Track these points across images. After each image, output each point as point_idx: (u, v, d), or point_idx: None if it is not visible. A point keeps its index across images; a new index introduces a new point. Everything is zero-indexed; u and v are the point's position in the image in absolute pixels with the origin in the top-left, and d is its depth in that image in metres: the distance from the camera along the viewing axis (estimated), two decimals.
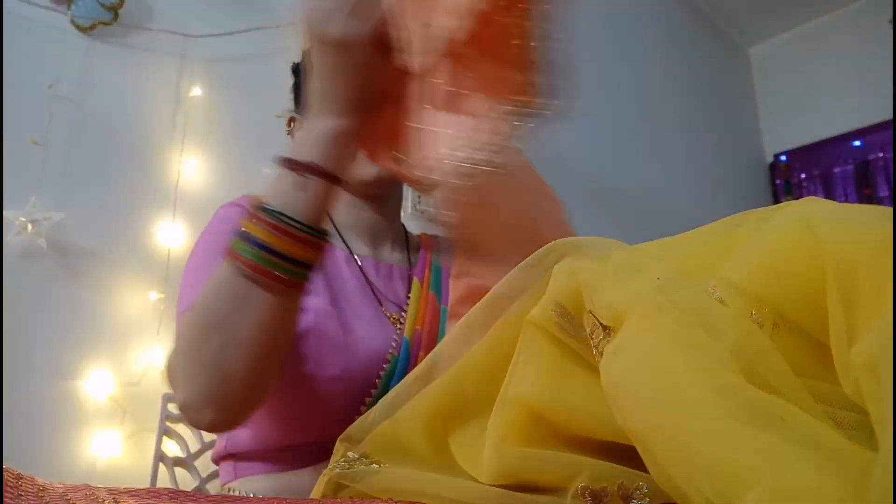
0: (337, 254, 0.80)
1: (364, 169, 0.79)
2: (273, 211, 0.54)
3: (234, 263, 0.54)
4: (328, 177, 0.56)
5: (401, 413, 0.49)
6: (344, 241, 0.83)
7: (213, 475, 1.16)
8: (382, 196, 0.86)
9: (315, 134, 0.56)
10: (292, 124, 0.88)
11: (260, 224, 0.54)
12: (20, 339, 1.15)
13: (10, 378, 1.11)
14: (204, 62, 1.51)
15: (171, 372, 0.59)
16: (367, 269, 0.81)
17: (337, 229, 0.84)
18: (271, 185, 0.57)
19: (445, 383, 0.48)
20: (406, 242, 0.91)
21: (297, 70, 0.91)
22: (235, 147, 1.53)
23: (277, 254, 0.53)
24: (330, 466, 0.49)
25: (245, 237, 0.54)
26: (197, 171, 1.47)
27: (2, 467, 0.35)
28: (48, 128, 1.28)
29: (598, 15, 2.79)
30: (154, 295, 1.34)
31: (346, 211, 0.86)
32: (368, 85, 0.57)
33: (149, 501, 0.39)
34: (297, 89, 0.90)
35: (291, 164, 0.55)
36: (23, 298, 1.18)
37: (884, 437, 0.25)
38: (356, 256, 0.81)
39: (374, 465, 0.47)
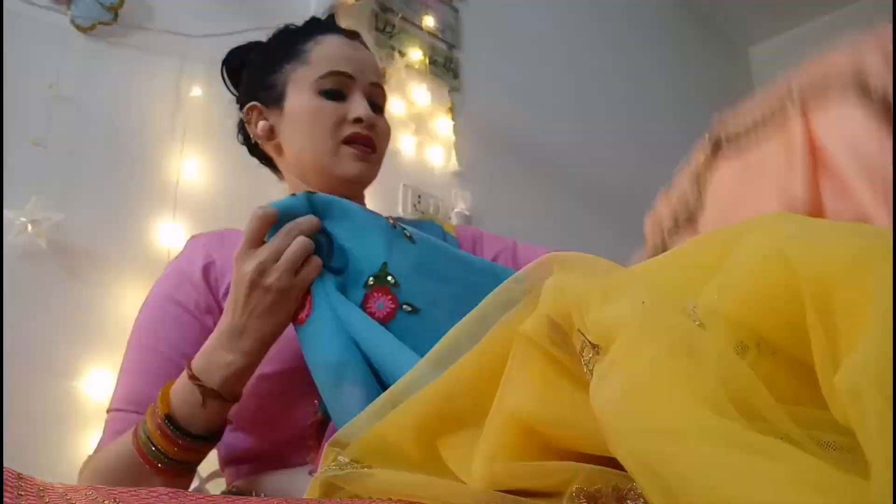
0: None
1: (345, 167, 0.85)
2: (168, 421, 0.64)
3: (133, 444, 0.65)
4: (228, 401, 0.66)
5: (390, 417, 0.49)
6: None
7: (214, 475, 1.16)
8: (359, 196, 0.93)
9: (223, 367, 0.64)
10: (252, 113, 0.95)
11: (156, 425, 0.65)
12: (20, 338, 1.15)
13: (10, 378, 1.11)
14: (204, 62, 1.51)
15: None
16: None
17: None
18: (181, 389, 0.66)
19: (436, 391, 0.47)
20: None
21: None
22: (235, 147, 1.53)
23: (163, 453, 0.65)
24: (321, 470, 0.48)
25: (144, 429, 0.65)
26: (197, 171, 1.46)
27: (2, 467, 0.36)
28: (48, 128, 1.28)
29: (598, 15, 2.80)
30: None
31: None
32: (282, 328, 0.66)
33: (149, 501, 0.39)
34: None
35: (202, 389, 0.64)
36: (23, 298, 1.18)
37: (875, 463, 0.24)
38: None
39: (366, 469, 0.47)
